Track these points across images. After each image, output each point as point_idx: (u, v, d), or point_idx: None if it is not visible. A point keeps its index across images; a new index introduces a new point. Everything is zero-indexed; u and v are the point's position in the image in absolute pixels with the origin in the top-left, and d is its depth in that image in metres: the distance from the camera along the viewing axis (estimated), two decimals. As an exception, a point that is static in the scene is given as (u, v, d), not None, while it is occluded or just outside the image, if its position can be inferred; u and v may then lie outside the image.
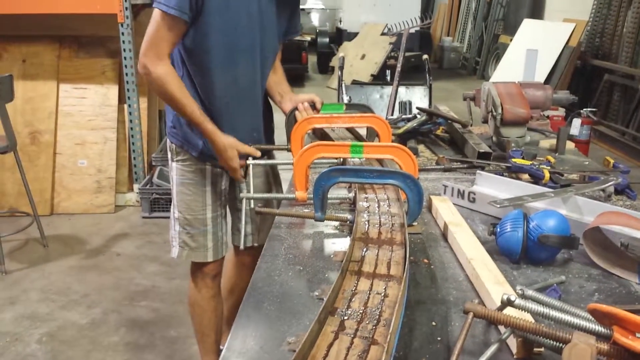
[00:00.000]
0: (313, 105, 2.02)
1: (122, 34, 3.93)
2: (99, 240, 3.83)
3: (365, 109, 2.10)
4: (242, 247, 1.91)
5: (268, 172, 2.17)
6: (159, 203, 4.11)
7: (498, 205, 1.50)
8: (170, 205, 2.14)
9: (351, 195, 1.65)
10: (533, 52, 4.70)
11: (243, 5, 1.81)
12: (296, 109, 2.01)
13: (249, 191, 1.77)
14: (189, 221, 2.03)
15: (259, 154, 1.89)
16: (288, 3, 1.97)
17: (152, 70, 1.76)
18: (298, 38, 10.05)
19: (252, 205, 1.73)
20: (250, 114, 1.99)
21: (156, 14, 1.75)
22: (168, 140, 2.07)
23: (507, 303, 0.93)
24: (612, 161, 1.91)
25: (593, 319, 0.89)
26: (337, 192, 1.68)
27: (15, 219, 4.04)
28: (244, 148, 1.87)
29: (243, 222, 1.72)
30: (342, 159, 1.79)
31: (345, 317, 1.00)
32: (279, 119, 2.11)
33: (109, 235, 3.91)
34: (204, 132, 1.84)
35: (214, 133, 1.83)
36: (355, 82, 5.82)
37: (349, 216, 1.50)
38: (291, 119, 2.00)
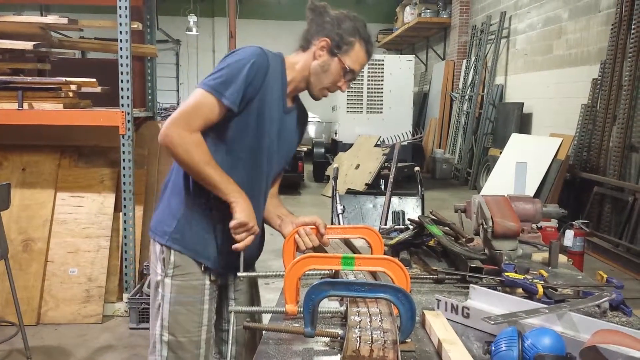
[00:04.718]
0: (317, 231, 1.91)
1: (123, 144, 4.04)
2: (83, 352, 3.69)
3: None
4: None
5: (252, 292, 2.11)
6: (147, 313, 4.00)
7: (492, 322, 1.48)
8: None
9: (342, 308, 1.63)
10: (522, 164, 4.81)
11: (274, 112, 1.86)
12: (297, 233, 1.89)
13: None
14: (181, 344, 1.87)
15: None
16: (300, 123, 2.04)
17: (179, 138, 1.69)
18: (294, 148, 10.34)
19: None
20: (257, 217, 1.90)
21: (202, 95, 1.72)
22: (162, 250, 1.88)
23: None
24: (605, 276, 1.90)
25: None
26: (329, 305, 1.65)
27: (0, 328, 3.91)
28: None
29: (231, 338, 1.64)
30: (333, 271, 1.78)
31: None
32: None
33: (94, 347, 3.76)
34: (231, 193, 1.76)
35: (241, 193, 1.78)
36: (349, 192, 5.91)
37: (339, 332, 1.47)
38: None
